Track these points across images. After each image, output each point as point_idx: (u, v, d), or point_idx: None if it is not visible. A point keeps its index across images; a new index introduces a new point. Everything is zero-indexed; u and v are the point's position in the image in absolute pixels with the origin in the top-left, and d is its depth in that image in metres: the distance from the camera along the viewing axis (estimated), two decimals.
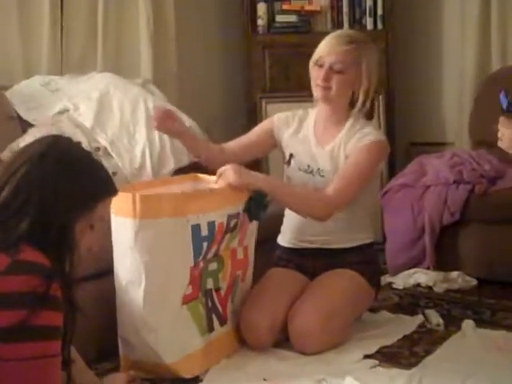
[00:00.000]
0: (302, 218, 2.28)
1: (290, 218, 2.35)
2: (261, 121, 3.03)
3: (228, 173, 2.08)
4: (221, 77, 3.81)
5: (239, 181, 2.07)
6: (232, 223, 2.11)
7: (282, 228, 2.41)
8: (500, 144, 2.00)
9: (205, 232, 2.02)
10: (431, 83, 3.78)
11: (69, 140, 1.60)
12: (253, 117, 3.54)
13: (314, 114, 2.35)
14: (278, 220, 2.41)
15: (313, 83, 2.27)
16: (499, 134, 1.99)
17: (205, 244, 2.03)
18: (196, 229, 2.00)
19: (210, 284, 2.12)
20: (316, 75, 2.24)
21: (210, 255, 2.09)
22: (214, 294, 2.14)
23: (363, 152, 2.20)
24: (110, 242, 2.01)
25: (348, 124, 2.27)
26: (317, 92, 2.26)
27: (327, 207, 2.18)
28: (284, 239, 2.39)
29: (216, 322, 2.14)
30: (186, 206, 1.99)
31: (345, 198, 2.20)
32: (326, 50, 2.22)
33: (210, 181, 2.21)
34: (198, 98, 3.53)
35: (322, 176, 2.26)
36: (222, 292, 2.17)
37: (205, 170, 2.40)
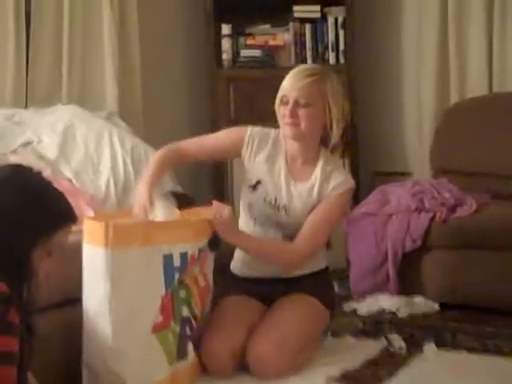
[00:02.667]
0: None
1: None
2: None
3: (221, 226, 2.14)
4: (186, 110, 3.85)
5: (224, 237, 2.16)
6: (200, 255, 2.15)
7: (235, 256, 2.41)
8: None
9: (177, 263, 2.04)
10: (392, 115, 3.86)
11: (29, 169, 1.63)
12: None
13: (283, 148, 2.31)
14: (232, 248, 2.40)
15: (281, 122, 2.25)
16: None
17: (176, 275, 2.05)
18: (168, 259, 2.02)
19: (185, 312, 2.13)
20: (283, 113, 2.23)
21: (175, 283, 2.10)
22: (192, 321, 2.15)
23: (336, 202, 2.24)
24: (74, 269, 2.02)
25: (320, 163, 2.26)
26: (285, 131, 2.24)
27: (300, 258, 2.25)
28: (238, 268, 2.40)
29: (191, 349, 2.14)
30: (158, 235, 2.00)
31: (316, 248, 2.27)
32: (289, 86, 2.22)
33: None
34: (164, 131, 3.55)
35: (287, 214, 2.27)
36: (198, 318, 2.18)
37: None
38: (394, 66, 3.86)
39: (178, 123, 3.78)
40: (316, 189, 2.25)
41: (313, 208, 2.26)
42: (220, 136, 2.40)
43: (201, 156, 2.43)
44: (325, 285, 2.38)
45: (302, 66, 2.41)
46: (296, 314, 2.24)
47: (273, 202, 2.28)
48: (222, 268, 2.37)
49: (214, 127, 3.70)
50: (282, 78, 2.32)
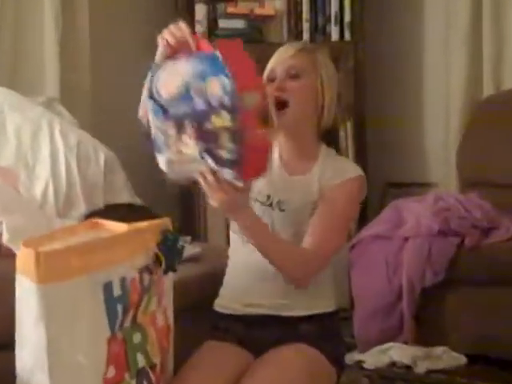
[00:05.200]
0: (248, 276, 2.28)
1: (234, 276, 2.33)
2: None
3: (222, 202, 2.05)
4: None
5: (227, 211, 2.10)
6: (145, 280, 2.11)
7: (221, 290, 2.40)
8: None
9: (117, 291, 2.00)
10: (411, 111, 3.88)
11: None
12: None
13: (277, 147, 2.33)
14: (213, 280, 2.39)
15: (271, 108, 2.23)
16: None
17: (119, 307, 2.01)
18: (108, 288, 1.99)
19: (141, 361, 2.09)
20: (270, 92, 2.21)
21: (126, 323, 2.08)
22: (150, 373, 2.11)
23: (342, 194, 2.24)
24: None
25: (320, 158, 2.30)
26: (274, 117, 2.23)
27: (306, 266, 2.21)
28: (223, 303, 2.38)
29: None
30: (95, 260, 1.98)
31: (327, 254, 2.23)
32: (277, 59, 2.24)
33: (112, 228, 2.20)
34: (115, 121, 3.51)
35: (282, 210, 2.27)
36: (158, 369, 2.14)
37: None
38: (414, 48, 3.86)
39: (134, 114, 3.72)
40: (316, 179, 2.27)
41: (313, 207, 2.26)
42: None
43: None
44: (332, 333, 2.34)
45: (290, 42, 2.47)
46: (295, 373, 2.19)
47: (265, 199, 2.29)
48: (204, 307, 2.33)
49: None
50: (271, 56, 2.28)
